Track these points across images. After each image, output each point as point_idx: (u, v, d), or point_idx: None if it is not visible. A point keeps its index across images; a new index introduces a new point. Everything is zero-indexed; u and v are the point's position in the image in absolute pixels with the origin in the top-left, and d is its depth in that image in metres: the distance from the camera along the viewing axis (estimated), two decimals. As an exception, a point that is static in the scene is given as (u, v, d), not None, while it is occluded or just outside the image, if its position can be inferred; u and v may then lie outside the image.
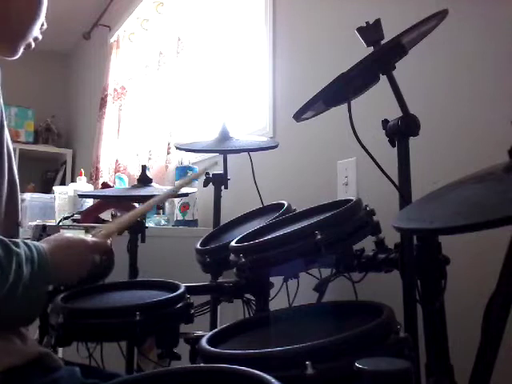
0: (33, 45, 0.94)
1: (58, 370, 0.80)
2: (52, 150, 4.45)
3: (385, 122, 0.95)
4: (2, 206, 0.80)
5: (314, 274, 1.13)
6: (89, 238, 0.90)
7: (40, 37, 0.95)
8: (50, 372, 0.78)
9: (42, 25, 0.95)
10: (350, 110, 0.92)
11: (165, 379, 0.55)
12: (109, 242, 0.96)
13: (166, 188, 1.96)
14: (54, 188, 2.57)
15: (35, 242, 0.78)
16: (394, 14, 1.37)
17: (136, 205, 1.68)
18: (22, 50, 0.93)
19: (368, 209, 0.95)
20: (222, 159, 1.64)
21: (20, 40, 0.91)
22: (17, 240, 0.74)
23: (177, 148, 1.70)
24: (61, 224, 1.87)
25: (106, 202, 1.98)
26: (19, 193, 0.87)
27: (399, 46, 0.90)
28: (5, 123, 0.80)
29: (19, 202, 0.87)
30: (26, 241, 0.75)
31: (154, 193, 1.61)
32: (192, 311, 1.00)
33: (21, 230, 0.89)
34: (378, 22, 0.93)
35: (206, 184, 1.61)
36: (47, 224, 1.79)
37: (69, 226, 1.80)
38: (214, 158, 2.18)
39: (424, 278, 0.87)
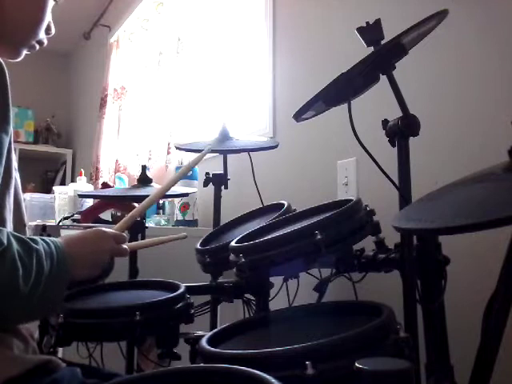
0: (37, 47, 0.93)
1: (58, 371, 0.80)
2: (52, 149, 4.44)
3: (385, 122, 0.95)
4: (11, 212, 0.80)
5: (314, 273, 1.13)
6: (106, 228, 0.89)
7: (45, 41, 0.94)
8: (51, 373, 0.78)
9: (49, 29, 0.94)
10: (350, 110, 0.92)
11: (165, 379, 0.55)
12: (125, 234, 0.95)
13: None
14: (54, 188, 2.57)
15: (52, 238, 0.78)
16: (394, 14, 1.37)
17: (136, 204, 1.68)
18: (24, 52, 0.93)
19: (368, 209, 0.95)
20: (222, 159, 1.64)
21: (22, 44, 0.91)
22: (34, 237, 0.74)
23: (177, 148, 1.70)
24: (61, 224, 1.87)
25: (105, 201, 1.98)
26: (22, 195, 0.87)
27: (399, 46, 0.90)
28: (11, 129, 0.79)
29: (23, 204, 0.87)
30: (42, 237, 0.75)
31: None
32: (192, 311, 1.00)
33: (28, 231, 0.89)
34: (378, 22, 0.93)
35: (206, 184, 1.61)
36: (47, 224, 1.79)
37: (69, 226, 1.80)
38: (214, 158, 2.18)
39: (424, 278, 0.87)
